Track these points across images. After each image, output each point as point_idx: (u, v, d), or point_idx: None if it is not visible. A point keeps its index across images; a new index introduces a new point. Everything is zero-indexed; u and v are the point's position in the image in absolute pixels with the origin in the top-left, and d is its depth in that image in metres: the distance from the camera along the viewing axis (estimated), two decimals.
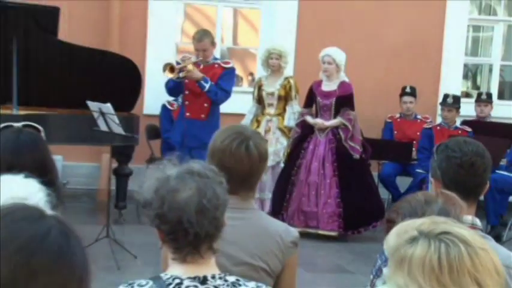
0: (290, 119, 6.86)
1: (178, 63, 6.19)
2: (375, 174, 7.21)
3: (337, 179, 6.57)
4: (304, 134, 6.78)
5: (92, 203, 7.40)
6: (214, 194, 1.83)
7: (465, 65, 9.19)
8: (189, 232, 1.79)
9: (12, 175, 1.85)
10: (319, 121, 6.71)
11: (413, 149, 7.54)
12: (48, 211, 1.10)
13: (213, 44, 6.28)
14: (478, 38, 10.32)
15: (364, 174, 6.71)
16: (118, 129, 5.47)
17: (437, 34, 8.33)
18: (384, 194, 7.38)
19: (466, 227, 1.46)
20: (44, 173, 2.16)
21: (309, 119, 6.75)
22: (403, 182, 7.55)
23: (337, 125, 6.68)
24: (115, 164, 6.67)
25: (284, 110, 6.92)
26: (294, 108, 6.88)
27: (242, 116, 7.03)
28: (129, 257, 5.47)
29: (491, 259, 1.37)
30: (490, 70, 9.35)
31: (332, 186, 6.56)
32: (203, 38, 6.15)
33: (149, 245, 5.70)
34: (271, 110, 6.94)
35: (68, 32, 6.51)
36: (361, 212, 6.54)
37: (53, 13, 6.01)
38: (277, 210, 6.55)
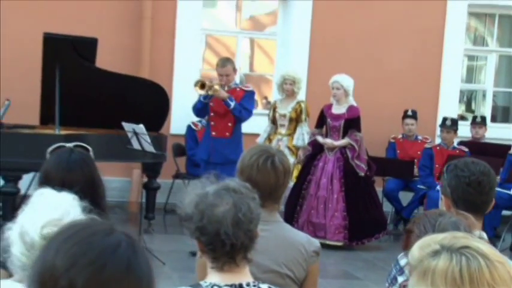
0: (299, 139, 6.83)
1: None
2: (379, 189, 7.18)
3: (343, 194, 6.54)
4: (314, 152, 6.77)
5: (123, 214, 7.40)
6: (248, 209, 1.84)
7: (461, 91, 9.17)
8: (226, 243, 1.80)
9: (47, 189, 1.80)
10: (328, 141, 6.70)
11: (415, 166, 7.51)
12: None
13: (234, 70, 6.28)
14: (472, 66, 10.30)
15: (369, 190, 6.68)
16: (149, 148, 5.47)
17: (435, 63, 8.34)
18: (387, 207, 7.36)
19: (484, 242, 1.45)
20: (93, 187, 2.18)
21: (320, 138, 6.74)
22: (405, 197, 7.55)
23: (345, 145, 6.66)
24: (145, 179, 6.68)
25: (294, 130, 6.88)
26: (304, 130, 6.85)
27: (257, 135, 7.01)
28: (157, 263, 5.45)
29: (508, 271, 1.35)
30: (484, 95, 9.32)
31: (339, 200, 6.54)
32: (226, 63, 6.17)
33: (176, 253, 5.73)
34: (282, 130, 6.93)
35: (105, 59, 6.53)
36: (365, 224, 6.51)
37: (91, 43, 6.04)
38: (289, 221, 6.52)
